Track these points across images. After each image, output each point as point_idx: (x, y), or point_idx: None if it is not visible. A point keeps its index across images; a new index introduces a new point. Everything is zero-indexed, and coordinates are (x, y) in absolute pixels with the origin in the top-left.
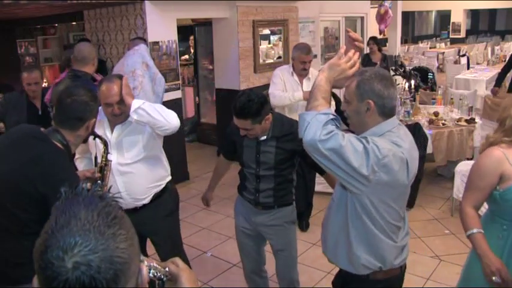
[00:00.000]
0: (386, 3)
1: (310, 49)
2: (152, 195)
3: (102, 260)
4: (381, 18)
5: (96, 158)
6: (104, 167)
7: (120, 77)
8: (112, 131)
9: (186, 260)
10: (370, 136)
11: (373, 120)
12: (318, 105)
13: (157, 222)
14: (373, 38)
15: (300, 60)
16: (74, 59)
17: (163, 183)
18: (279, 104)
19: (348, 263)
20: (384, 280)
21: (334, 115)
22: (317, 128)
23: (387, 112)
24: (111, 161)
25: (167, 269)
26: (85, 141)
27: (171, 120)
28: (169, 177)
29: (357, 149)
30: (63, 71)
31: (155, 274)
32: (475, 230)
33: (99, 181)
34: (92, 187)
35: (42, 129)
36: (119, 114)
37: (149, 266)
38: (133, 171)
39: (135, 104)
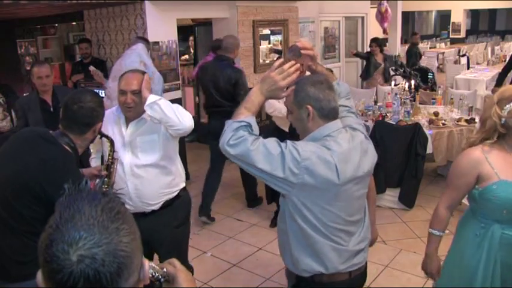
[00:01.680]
0: (385, 3)
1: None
2: (163, 201)
3: (106, 253)
4: (382, 16)
5: (102, 156)
6: (110, 165)
7: (143, 72)
8: (127, 127)
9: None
10: (309, 141)
11: (315, 124)
12: (239, 114)
13: (165, 232)
14: (374, 40)
15: None
16: (221, 47)
17: (176, 190)
18: (274, 114)
19: (292, 265)
20: (328, 283)
21: (247, 122)
22: (227, 134)
23: (327, 114)
24: (117, 159)
25: (165, 269)
26: (92, 141)
27: (184, 121)
28: (183, 184)
29: (271, 153)
30: (209, 53)
31: (153, 274)
32: (436, 232)
33: (105, 179)
34: (95, 184)
35: (50, 131)
36: (131, 106)
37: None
38: (147, 175)
39: (151, 98)
